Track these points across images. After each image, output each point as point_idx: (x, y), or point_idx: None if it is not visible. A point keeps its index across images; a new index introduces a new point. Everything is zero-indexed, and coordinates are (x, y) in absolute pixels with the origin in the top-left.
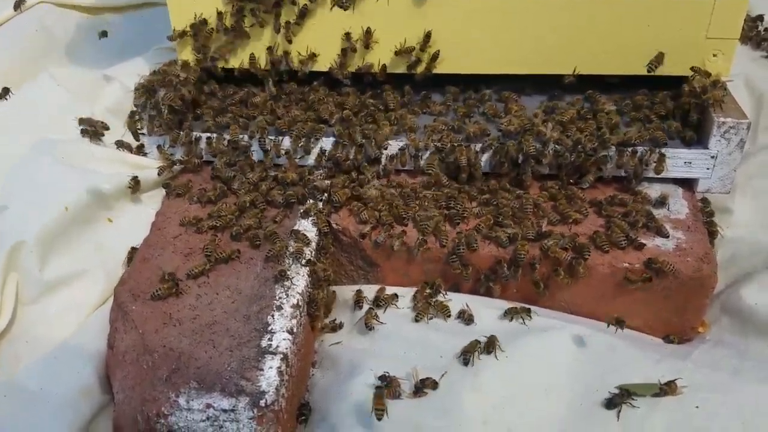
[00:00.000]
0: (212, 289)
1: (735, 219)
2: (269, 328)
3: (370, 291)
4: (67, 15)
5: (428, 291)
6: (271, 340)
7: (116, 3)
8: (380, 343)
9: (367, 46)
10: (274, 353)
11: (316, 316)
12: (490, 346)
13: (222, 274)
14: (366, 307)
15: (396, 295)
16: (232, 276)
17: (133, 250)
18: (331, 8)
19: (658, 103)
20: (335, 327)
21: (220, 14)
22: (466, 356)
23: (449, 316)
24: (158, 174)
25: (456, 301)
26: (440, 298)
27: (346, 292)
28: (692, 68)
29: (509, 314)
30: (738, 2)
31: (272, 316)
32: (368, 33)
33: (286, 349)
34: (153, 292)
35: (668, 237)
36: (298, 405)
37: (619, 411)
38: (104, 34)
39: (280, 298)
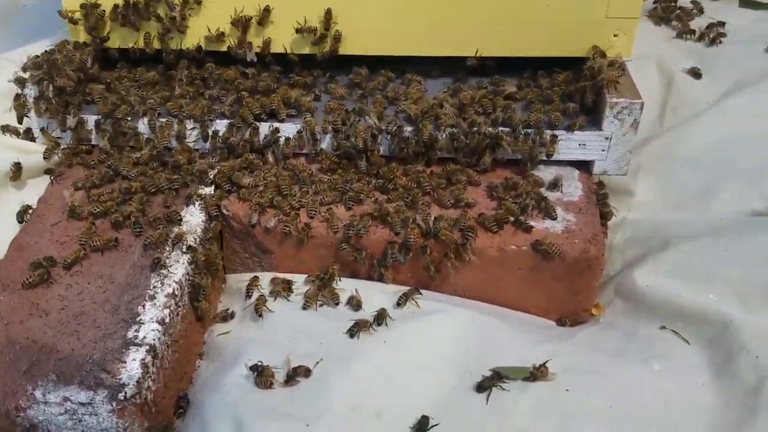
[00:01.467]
0: (84, 278)
1: (637, 201)
2: (138, 319)
3: (264, 278)
4: None
5: (321, 279)
6: (138, 331)
7: None
8: (267, 332)
9: (260, 22)
10: (139, 345)
11: (202, 305)
12: (380, 318)
13: (96, 262)
14: (257, 294)
15: (290, 283)
16: (107, 265)
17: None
18: None
19: (559, 84)
20: (226, 316)
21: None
22: (352, 331)
23: (338, 303)
24: (44, 158)
25: (351, 286)
26: (333, 285)
27: (240, 280)
28: (593, 48)
29: (402, 300)
30: None
31: (143, 306)
32: (266, 11)
33: (154, 340)
34: (24, 280)
35: (556, 219)
36: (176, 398)
37: (489, 394)
38: None
39: (154, 287)
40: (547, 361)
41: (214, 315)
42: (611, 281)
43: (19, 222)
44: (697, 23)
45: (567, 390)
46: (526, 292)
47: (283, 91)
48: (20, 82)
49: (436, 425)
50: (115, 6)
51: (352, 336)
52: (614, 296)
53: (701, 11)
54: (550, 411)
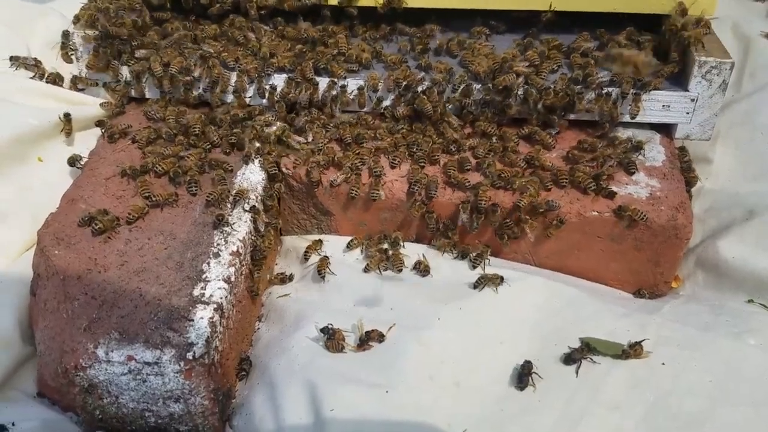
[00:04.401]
0: (144, 233)
1: (715, 169)
2: (203, 276)
3: (324, 240)
4: None
5: (385, 245)
6: (205, 289)
7: None
8: (329, 295)
9: None
10: (207, 303)
11: (261, 265)
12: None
13: (155, 218)
14: (316, 257)
15: (319, 240)
16: (167, 221)
17: None
18: None
19: (640, 41)
20: (284, 278)
21: None
22: (478, 283)
23: (401, 269)
24: (108, 112)
25: (413, 251)
26: (399, 249)
27: (297, 241)
28: (677, 4)
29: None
30: None
31: (208, 263)
32: None
33: (221, 298)
34: (93, 226)
35: (634, 174)
36: (238, 360)
37: (579, 366)
38: None
39: (218, 244)
40: (643, 340)
41: (271, 277)
42: (692, 252)
43: (70, 165)
44: None
45: (663, 364)
46: (604, 261)
47: (344, 45)
48: (66, 33)
49: (536, 373)
50: None
51: (475, 288)
52: (695, 268)
53: None
54: (645, 386)
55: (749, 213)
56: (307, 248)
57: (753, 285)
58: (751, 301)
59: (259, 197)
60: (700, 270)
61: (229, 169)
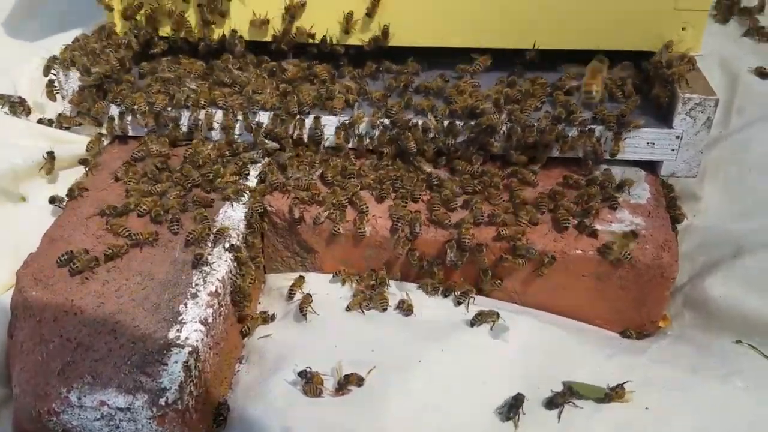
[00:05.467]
0: (122, 274)
1: (703, 206)
2: (180, 318)
3: (307, 278)
4: None
5: (371, 282)
6: (180, 332)
7: None
8: (311, 335)
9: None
10: (181, 346)
11: (242, 306)
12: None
13: (135, 258)
14: (300, 295)
15: (301, 277)
16: (146, 260)
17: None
18: None
19: (624, 79)
20: (267, 318)
21: None
22: (474, 320)
23: (385, 308)
24: (87, 150)
25: (398, 290)
26: (383, 289)
27: (280, 280)
28: (661, 41)
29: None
30: None
31: (185, 304)
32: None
33: (197, 341)
34: (71, 266)
35: (616, 209)
36: (216, 404)
37: (561, 411)
38: None
39: (196, 284)
40: (625, 382)
41: (253, 316)
42: (679, 291)
43: (70, 198)
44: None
45: (647, 409)
46: (589, 301)
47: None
48: (50, 69)
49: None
50: None
51: (473, 326)
52: (683, 307)
53: (762, 8)
54: None
55: (737, 251)
56: (290, 286)
57: (741, 325)
58: (739, 341)
59: (241, 235)
60: (688, 309)
61: (211, 204)
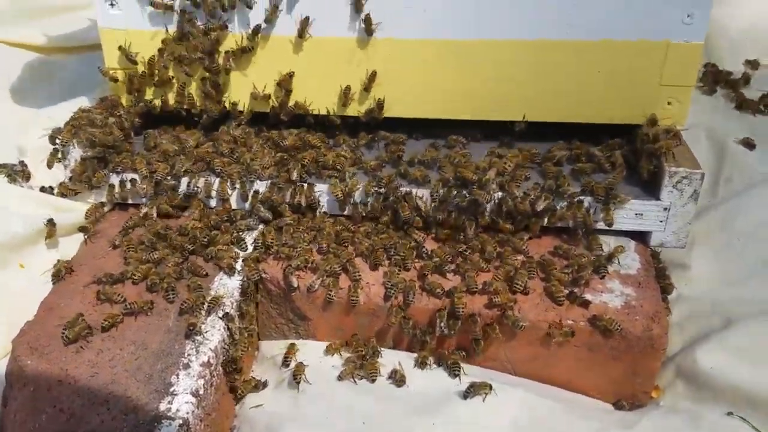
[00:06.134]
0: (116, 343)
1: (693, 275)
2: (171, 390)
3: (300, 346)
4: (16, 54)
5: (363, 351)
6: (171, 404)
7: (67, 43)
8: (302, 406)
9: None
10: (172, 419)
11: (234, 377)
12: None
13: (129, 326)
14: (293, 363)
15: (293, 345)
16: (140, 329)
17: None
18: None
19: (610, 152)
20: (258, 385)
21: (150, 63)
22: (467, 392)
23: (375, 378)
24: (86, 218)
25: (390, 359)
26: (375, 359)
27: (274, 347)
28: (647, 116)
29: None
30: (692, 48)
31: (177, 375)
32: (290, 76)
33: (188, 413)
34: (63, 335)
35: (604, 277)
36: None
37: None
38: None
39: (188, 355)
40: None
41: (245, 383)
42: (671, 361)
43: (54, 283)
44: (746, 94)
45: None
46: (581, 371)
47: (331, 153)
48: (54, 139)
49: None
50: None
51: (466, 398)
52: (675, 378)
53: (747, 81)
54: None
55: (727, 321)
56: (284, 354)
57: (732, 397)
58: (730, 413)
59: (236, 303)
60: (679, 380)
61: (205, 274)
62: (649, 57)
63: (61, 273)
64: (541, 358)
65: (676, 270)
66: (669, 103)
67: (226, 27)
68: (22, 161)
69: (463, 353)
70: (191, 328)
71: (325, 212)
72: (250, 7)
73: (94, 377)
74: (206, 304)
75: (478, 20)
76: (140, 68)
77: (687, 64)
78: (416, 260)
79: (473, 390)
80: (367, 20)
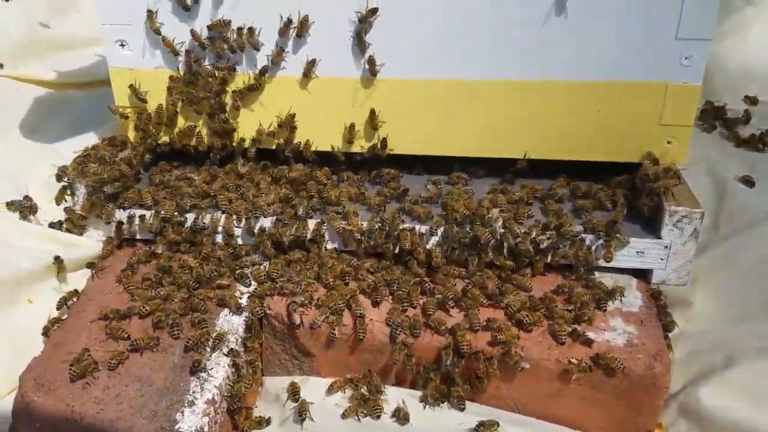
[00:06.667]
0: (122, 380)
1: (695, 312)
2: (176, 427)
3: (304, 383)
4: (28, 89)
5: (366, 389)
6: None
7: (78, 79)
8: None
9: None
10: None
11: (238, 414)
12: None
13: (135, 363)
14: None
15: (294, 383)
16: (146, 366)
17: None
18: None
19: (612, 189)
20: (262, 422)
21: (159, 106)
22: (476, 430)
23: (379, 416)
24: (94, 253)
25: (393, 396)
26: (379, 397)
27: (278, 383)
28: (642, 156)
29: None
30: (690, 89)
31: (182, 412)
32: (291, 116)
33: None
34: (70, 371)
35: (606, 310)
36: None
37: None
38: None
39: (193, 392)
40: None
41: (247, 419)
42: (674, 399)
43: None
44: (745, 131)
45: None
46: (585, 409)
47: (335, 190)
48: (61, 177)
49: None
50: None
51: None
52: (677, 416)
53: (748, 120)
54: None
55: (729, 359)
56: (287, 391)
57: None
58: None
59: (240, 339)
60: (683, 417)
61: (206, 310)
62: (648, 97)
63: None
64: (545, 396)
65: (679, 307)
66: (668, 143)
67: (235, 69)
68: (28, 196)
69: (468, 386)
70: (196, 364)
71: (329, 248)
72: (258, 50)
73: (99, 414)
74: (211, 340)
75: (481, 61)
76: (149, 107)
77: (686, 104)
78: (420, 296)
79: (482, 429)
80: (371, 61)
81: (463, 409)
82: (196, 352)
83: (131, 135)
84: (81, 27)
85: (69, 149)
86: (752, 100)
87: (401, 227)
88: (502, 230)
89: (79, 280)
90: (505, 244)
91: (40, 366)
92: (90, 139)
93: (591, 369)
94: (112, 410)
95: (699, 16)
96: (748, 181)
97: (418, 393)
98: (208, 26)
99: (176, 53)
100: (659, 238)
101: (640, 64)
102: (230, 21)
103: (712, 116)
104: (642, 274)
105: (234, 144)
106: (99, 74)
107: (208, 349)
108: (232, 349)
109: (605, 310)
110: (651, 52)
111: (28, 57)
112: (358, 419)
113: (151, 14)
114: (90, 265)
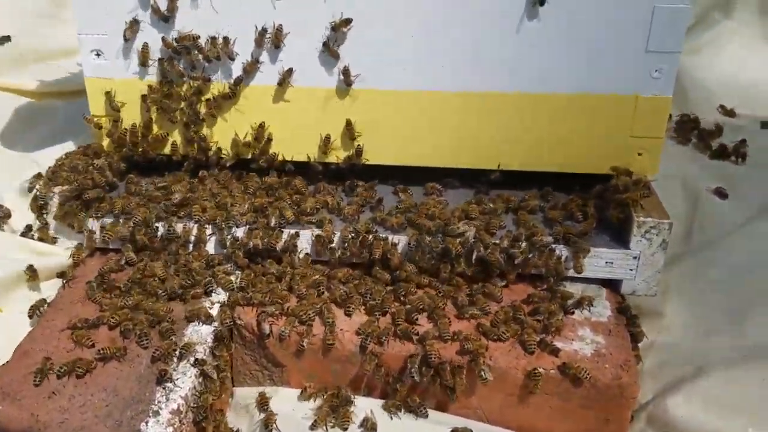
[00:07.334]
0: (88, 389)
1: (666, 323)
2: None
3: (274, 393)
4: (8, 98)
5: (335, 400)
6: None
7: (60, 88)
8: None
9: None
10: None
11: (207, 422)
12: None
13: (101, 373)
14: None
15: (263, 394)
16: (112, 375)
17: None
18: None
19: (583, 200)
20: None
21: (133, 125)
22: None
23: (347, 427)
24: (66, 262)
25: (362, 405)
26: (348, 407)
27: (248, 394)
28: (612, 168)
29: None
30: (661, 101)
31: (146, 422)
32: (260, 126)
33: None
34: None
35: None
36: None
37: None
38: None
39: (158, 402)
40: None
41: None
42: (643, 410)
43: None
44: (718, 143)
45: None
46: (554, 419)
47: (311, 200)
48: (34, 186)
49: None
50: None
51: None
52: (646, 426)
53: (720, 132)
54: None
55: (698, 370)
56: (257, 402)
57: None
58: None
59: (209, 350)
60: (652, 428)
61: (171, 320)
62: (620, 110)
63: (37, 309)
64: (513, 406)
65: (651, 318)
66: (640, 154)
67: (209, 80)
68: (1, 205)
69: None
70: (162, 374)
71: (302, 257)
72: (233, 59)
73: (64, 423)
74: (178, 350)
75: (456, 73)
76: (124, 116)
77: (656, 116)
78: (392, 305)
79: None
80: (346, 72)
81: (424, 416)
82: (162, 362)
83: (105, 144)
84: (62, 36)
85: (49, 159)
86: (728, 112)
87: (371, 237)
88: (473, 240)
89: (51, 288)
90: (475, 253)
91: (5, 375)
92: (68, 149)
93: (588, 376)
94: (76, 419)
95: (668, 28)
96: (721, 193)
97: (380, 402)
98: (175, 39)
99: (145, 65)
100: (628, 248)
101: (612, 76)
102: (199, 36)
103: (687, 129)
104: (611, 284)
105: (209, 153)
106: (80, 84)
107: (175, 359)
108: (198, 359)
109: (572, 313)
110: (622, 65)
111: (8, 66)
112: (327, 430)
113: (130, 24)
114: (61, 274)
